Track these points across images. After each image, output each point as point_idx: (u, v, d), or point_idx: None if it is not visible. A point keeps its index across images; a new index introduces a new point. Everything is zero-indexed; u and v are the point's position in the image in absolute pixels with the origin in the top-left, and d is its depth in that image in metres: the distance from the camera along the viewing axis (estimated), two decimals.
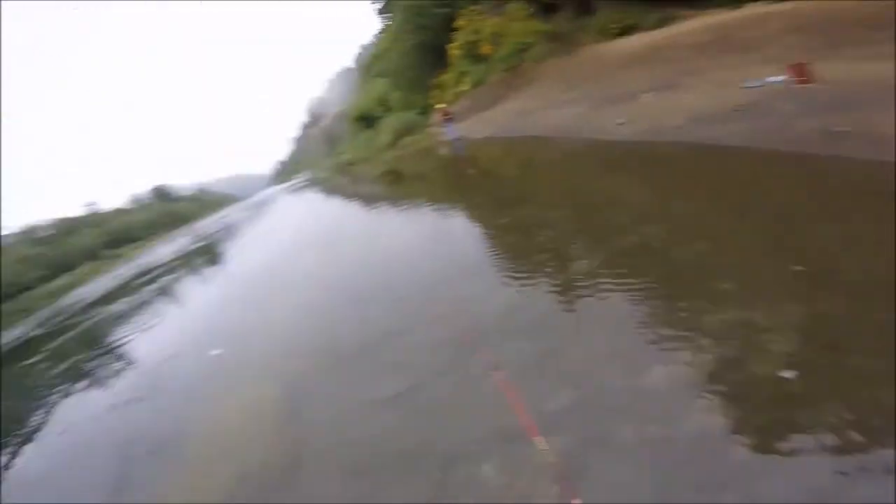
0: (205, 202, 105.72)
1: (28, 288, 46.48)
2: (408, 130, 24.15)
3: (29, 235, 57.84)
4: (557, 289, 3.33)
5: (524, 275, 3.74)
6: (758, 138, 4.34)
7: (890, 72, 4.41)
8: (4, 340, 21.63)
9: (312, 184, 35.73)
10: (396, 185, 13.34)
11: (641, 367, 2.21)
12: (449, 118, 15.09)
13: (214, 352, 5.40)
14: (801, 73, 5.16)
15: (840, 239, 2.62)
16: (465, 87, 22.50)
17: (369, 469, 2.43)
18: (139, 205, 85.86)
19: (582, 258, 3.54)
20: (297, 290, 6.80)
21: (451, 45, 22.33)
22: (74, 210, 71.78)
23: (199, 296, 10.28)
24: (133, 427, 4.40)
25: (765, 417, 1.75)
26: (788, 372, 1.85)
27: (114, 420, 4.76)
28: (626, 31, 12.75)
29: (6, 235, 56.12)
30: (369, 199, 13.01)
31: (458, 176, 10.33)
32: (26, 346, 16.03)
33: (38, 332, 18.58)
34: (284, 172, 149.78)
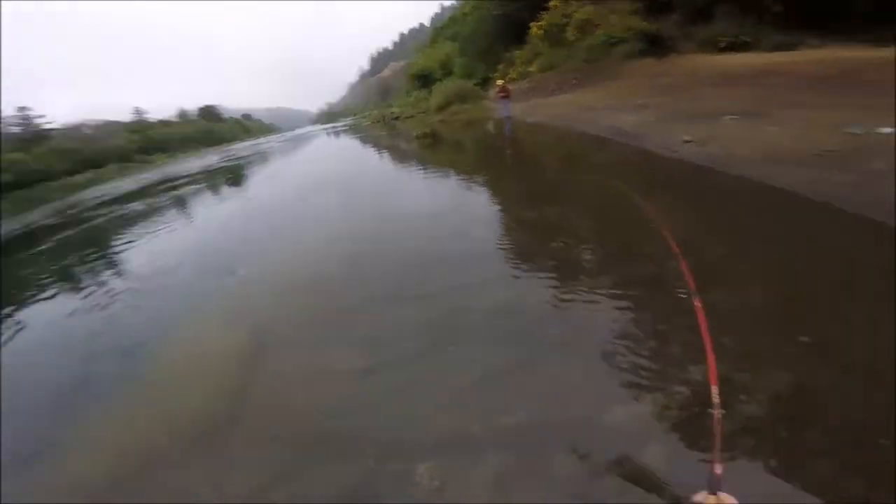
0: (246, 127, 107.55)
1: (49, 179, 47.27)
2: (461, 98, 23.14)
3: (72, 132, 58.86)
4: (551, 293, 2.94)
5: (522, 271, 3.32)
6: (828, 192, 3.59)
7: None
8: (14, 226, 21.99)
9: (352, 130, 35.27)
10: (430, 148, 12.68)
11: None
12: (505, 95, 14.19)
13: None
14: None
15: None
16: (533, 68, 21.42)
17: None
18: (184, 120, 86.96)
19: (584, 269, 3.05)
20: (298, 231, 6.46)
21: (535, 23, 21.43)
22: (123, 115, 72.71)
23: (207, 213, 10.05)
24: (111, 333, 4.10)
25: None
26: None
27: (95, 322, 4.47)
28: (736, 48, 11.52)
29: (53, 128, 57.24)
30: (399, 156, 12.51)
31: (494, 154, 9.63)
32: (33, 235, 16.16)
33: (51, 221, 18.90)
34: (331, 114, 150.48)
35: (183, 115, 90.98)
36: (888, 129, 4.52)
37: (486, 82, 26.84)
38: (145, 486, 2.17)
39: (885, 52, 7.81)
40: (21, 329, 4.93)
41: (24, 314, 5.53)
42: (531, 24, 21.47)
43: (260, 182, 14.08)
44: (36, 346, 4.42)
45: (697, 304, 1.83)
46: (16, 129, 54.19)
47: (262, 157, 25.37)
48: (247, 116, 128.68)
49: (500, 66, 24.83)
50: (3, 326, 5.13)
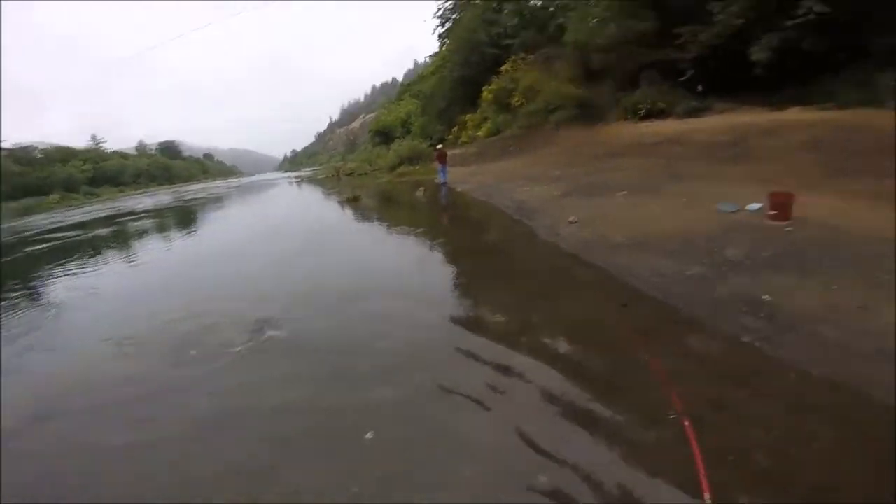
0: (205, 167, 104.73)
1: None
2: (412, 159, 23.77)
3: (22, 153, 55.22)
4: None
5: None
6: (674, 291, 3.65)
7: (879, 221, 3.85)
8: None
9: (306, 181, 35.30)
10: (352, 211, 12.78)
11: None
12: (443, 161, 14.47)
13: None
14: (781, 206, 4.43)
15: None
16: (481, 133, 22.00)
17: None
18: (142, 153, 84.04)
19: None
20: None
21: (486, 87, 21.75)
22: (80, 141, 69.23)
23: (145, 256, 9.39)
24: None
25: None
26: None
27: None
28: (653, 115, 11.78)
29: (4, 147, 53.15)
30: (326, 216, 12.68)
31: (387, 223, 9.89)
32: None
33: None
34: (294, 161, 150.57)
35: (142, 147, 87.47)
36: (755, 206, 4.86)
37: (441, 143, 27.74)
38: None
39: (778, 115, 8.36)
40: None
41: None
42: (484, 87, 21.83)
43: (202, 228, 14.04)
44: None
45: None
46: None
47: (214, 200, 24.80)
48: (208, 156, 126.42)
49: (455, 129, 25.68)
50: None
